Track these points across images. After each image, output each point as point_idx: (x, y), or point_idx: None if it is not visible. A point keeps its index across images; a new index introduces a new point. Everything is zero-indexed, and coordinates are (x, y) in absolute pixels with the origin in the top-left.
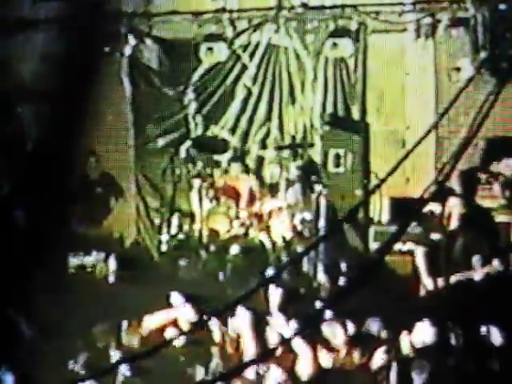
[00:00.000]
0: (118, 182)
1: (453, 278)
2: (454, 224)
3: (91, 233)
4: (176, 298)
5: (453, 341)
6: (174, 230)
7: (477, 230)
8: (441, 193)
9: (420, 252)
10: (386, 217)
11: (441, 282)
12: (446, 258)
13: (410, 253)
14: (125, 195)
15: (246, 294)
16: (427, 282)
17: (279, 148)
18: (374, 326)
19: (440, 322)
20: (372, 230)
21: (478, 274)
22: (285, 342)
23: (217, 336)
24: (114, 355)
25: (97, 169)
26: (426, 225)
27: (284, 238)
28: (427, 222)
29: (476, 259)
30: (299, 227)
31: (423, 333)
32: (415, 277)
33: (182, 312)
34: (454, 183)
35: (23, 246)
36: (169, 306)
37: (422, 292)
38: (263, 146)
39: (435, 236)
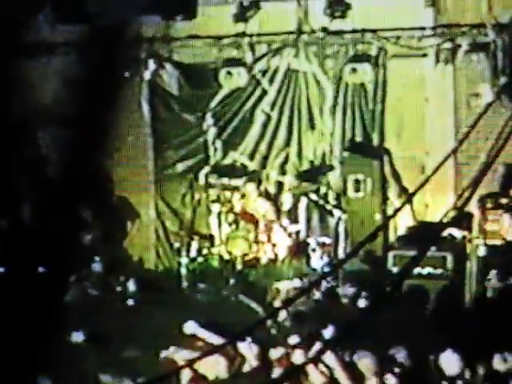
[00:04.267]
0: (134, 206)
1: None
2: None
3: (109, 256)
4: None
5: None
6: (193, 254)
7: None
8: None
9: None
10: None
11: None
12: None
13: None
14: (142, 219)
15: (264, 318)
16: None
17: (299, 175)
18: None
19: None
20: (391, 255)
21: None
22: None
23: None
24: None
25: (112, 193)
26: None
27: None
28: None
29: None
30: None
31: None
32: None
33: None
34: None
35: (43, 268)
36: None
37: None
38: (282, 171)
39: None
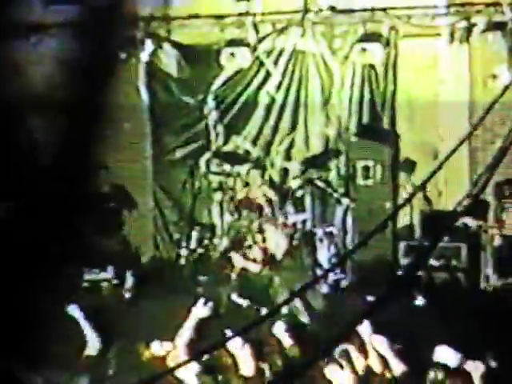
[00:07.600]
0: (131, 195)
1: None
2: None
3: (106, 247)
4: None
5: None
6: (193, 245)
7: None
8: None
9: None
10: (417, 231)
11: None
12: None
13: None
14: (140, 208)
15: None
16: None
17: (305, 162)
18: None
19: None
20: (402, 245)
21: None
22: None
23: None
24: None
25: (107, 181)
26: None
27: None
28: None
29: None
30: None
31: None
32: None
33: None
34: None
35: (35, 260)
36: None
37: None
38: (287, 157)
39: None
